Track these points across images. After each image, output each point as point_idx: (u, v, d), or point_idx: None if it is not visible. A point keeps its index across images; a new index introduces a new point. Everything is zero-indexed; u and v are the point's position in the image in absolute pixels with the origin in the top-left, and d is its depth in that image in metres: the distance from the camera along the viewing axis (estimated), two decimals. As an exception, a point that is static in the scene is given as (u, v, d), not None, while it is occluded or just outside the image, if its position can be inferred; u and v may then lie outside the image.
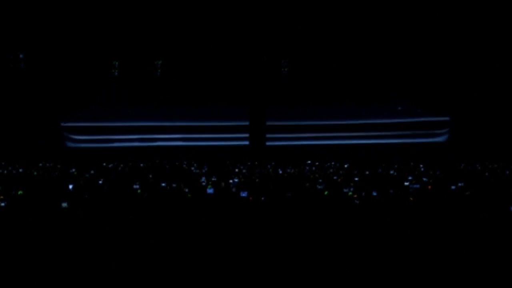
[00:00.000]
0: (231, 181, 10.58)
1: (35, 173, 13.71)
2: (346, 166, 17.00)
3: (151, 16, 15.97)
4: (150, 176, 12.76)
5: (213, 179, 11.41)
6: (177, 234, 5.32)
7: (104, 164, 17.43)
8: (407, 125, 22.22)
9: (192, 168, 16.21)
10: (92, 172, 13.98)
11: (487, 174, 14.11)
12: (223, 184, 10.16)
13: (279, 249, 4.71)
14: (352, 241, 5.01)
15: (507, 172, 14.55)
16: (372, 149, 21.87)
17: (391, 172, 14.61)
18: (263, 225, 5.80)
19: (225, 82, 21.47)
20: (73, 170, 14.60)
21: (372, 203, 7.39)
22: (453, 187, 9.41)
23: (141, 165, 17.76)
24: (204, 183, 10.49)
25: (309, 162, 19.00)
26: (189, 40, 18.95)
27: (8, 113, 19.67)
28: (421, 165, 17.15)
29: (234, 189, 9.09)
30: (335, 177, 12.38)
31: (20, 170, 14.68)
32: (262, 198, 7.58)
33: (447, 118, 21.70)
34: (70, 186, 9.34)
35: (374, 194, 8.01)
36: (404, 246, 4.84)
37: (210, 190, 8.41)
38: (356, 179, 11.73)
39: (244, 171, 14.85)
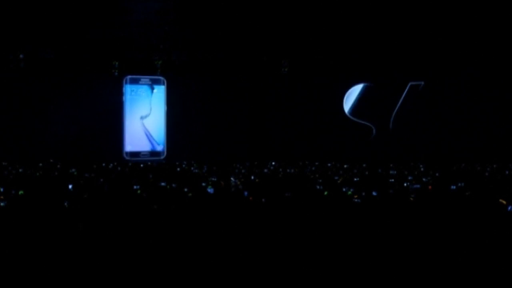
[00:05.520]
0: (234, 181, 10.57)
1: (37, 173, 13.69)
2: (346, 166, 17.00)
3: (149, 15, 15.97)
4: (150, 176, 12.75)
5: (213, 179, 11.41)
6: (177, 234, 5.33)
7: (104, 164, 17.41)
8: None
9: (192, 168, 16.21)
10: (92, 172, 13.97)
11: (487, 174, 14.11)
12: (223, 183, 10.17)
13: (279, 249, 4.71)
14: (352, 241, 5.01)
15: (507, 172, 14.55)
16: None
17: (391, 172, 14.61)
18: (263, 225, 5.80)
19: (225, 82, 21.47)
20: (73, 170, 14.59)
21: (372, 203, 7.39)
22: (453, 187, 9.41)
23: (141, 165, 17.76)
24: (203, 183, 10.48)
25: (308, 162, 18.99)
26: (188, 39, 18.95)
27: (8, 113, 19.66)
28: (421, 165, 17.16)
29: (234, 189, 9.10)
30: (335, 177, 12.39)
31: (20, 170, 14.67)
32: (263, 200, 7.57)
33: None
34: (70, 186, 9.32)
35: (374, 194, 8.01)
36: (404, 246, 4.84)
37: (210, 190, 8.42)
38: (356, 179, 11.72)
39: (243, 171, 14.86)
